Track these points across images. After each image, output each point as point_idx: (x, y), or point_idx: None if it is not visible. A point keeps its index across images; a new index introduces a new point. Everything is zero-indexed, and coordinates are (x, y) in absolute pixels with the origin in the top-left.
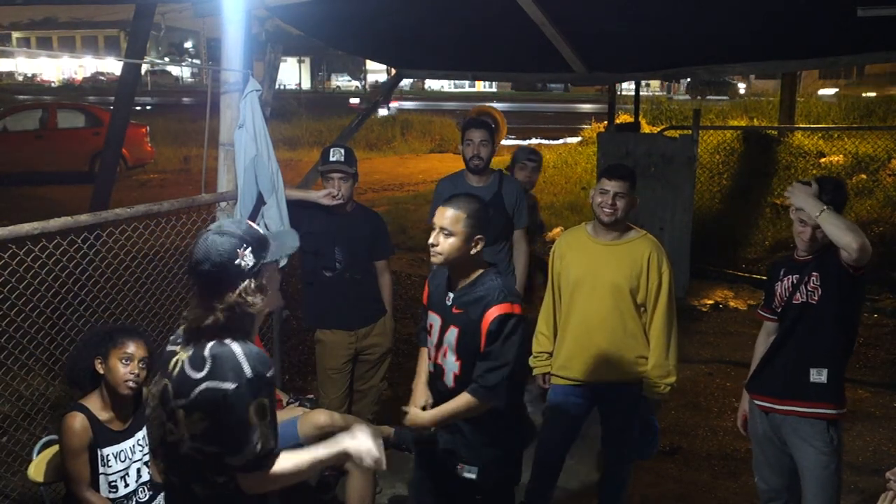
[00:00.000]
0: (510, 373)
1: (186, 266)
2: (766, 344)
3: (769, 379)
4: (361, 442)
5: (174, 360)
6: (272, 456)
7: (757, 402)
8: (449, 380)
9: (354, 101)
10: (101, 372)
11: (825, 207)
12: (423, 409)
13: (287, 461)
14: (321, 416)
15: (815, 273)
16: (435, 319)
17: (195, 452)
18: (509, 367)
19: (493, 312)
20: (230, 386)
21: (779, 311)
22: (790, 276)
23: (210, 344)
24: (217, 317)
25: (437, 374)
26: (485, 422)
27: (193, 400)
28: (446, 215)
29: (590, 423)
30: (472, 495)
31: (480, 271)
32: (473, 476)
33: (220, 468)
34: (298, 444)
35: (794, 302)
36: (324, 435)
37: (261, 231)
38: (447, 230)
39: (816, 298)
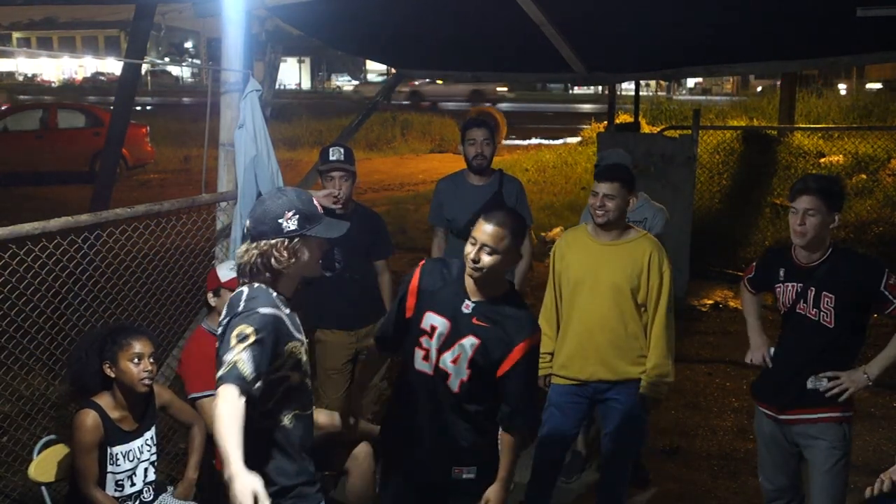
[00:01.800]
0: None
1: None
2: (757, 300)
3: (774, 389)
4: (244, 485)
5: None
6: (237, 379)
7: (763, 409)
8: (454, 385)
9: None
10: (113, 375)
11: (865, 373)
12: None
13: (230, 410)
14: (321, 417)
15: (827, 294)
16: (439, 321)
17: None
18: (534, 394)
19: (528, 343)
20: (227, 318)
21: (781, 313)
22: (793, 284)
23: (233, 292)
24: (251, 254)
25: (436, 377)
26: (480, 419)
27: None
28: (488, 231)
29: (590, 423)
30: (469, 497)
31: (506, 288)
32: (473, 476)
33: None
34: None
35: (799, 311)
36: (324, 435)
37: (319, 209)
38: (490, 247)
39: (831, 322)
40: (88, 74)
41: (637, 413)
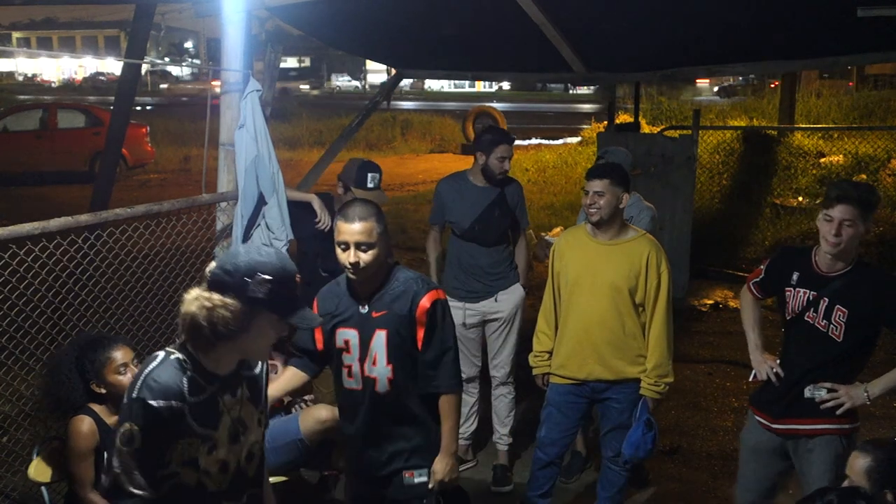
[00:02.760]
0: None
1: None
2: (756, 309)
3: (771, 397)
4: None
5: None
6: (128, 497)
7: (758, 418)
8: (383, 386)
9: None
10: (103, 391)
11: (866, 391)
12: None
13: None
14: (323, 412)
15: (841, 308)
16: (350, 334)
17: None
18: (455, 349)
19: (427, 301)
20: (127, 395)
21: (787, 318)
22: (806, 291)
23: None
24: (198, 304)
25: (366, 387)
26: (424, 421)
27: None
28: (357, 229)
29: (589, 423)
30: (422, 499)
31: (388, 268)
32: (425, 478)
33: None
34: (300, 440)
35: (807, 320)
36: (326, 430)
37: (297, 290)
38: (364, 244)
39: (840, 335)
40: (88, 74)
41: (635, 412)
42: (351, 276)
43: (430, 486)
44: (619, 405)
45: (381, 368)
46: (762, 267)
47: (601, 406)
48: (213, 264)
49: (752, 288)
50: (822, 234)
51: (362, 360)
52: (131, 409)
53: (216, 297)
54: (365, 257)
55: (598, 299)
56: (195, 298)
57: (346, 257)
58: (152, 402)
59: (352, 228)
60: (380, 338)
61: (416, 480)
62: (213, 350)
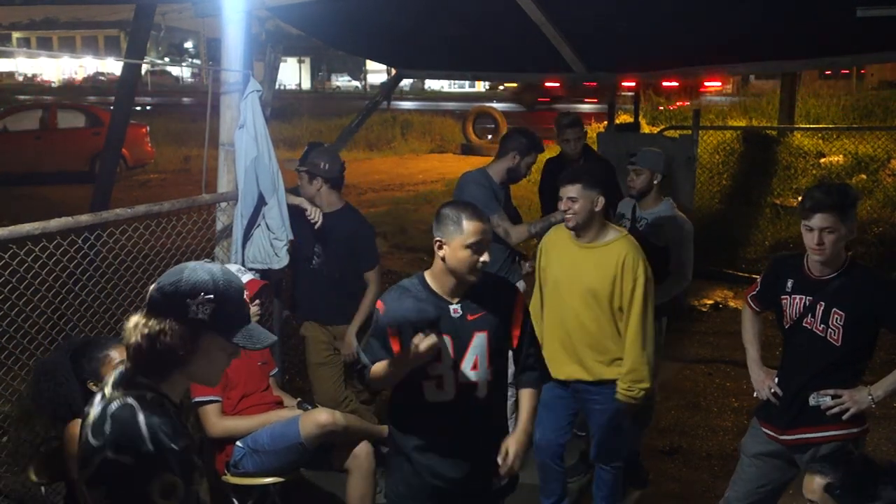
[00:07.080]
0: None
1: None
2: (756, 324)
3: (775, 408)
4: None
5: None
6: None
7: (766, 430)
8: (482, 391)
9: None
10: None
11: (870, 395)
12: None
13: None
14: (322, 416)
15: (837, 311)
16: (441, 340)
17: None
18: None
19: (521, 295)
20: (128, 460)
21: (785, 327)
22: (802, 297)
23: (115, 403)
24: (139, 333)
25: (460, 394)
26: (501, 417)
27: (94, 473)
28: (488, 227)
29: (586, 423)
30: (499, 498)
31: None
32: (504, 482)
33: None
34: (300, 443)
35: (805, 325)
36: (326, 434)
37: (244, 308)
38: (488, 242)
39: (839, 339)
40: (88, 74)
41: (620, 413)
42: (472, 278)
43: (509, 462)
44: (600, 406)
45: (482, 373)
46: (758, 280)
47: (585, 407)
48: (152, 287)
49: (751, 302)
50: (805, 243)
51: (456, 366)
52: (156, 460)
53: (153, 322)
54: (488, 256)
55: (577, 302)
56: (134, 326)
57: (478, 258)
58: (173, 446)
59: (486, 227)
60: (479, 340)
61: (503, 483)
62: (168, 378)
